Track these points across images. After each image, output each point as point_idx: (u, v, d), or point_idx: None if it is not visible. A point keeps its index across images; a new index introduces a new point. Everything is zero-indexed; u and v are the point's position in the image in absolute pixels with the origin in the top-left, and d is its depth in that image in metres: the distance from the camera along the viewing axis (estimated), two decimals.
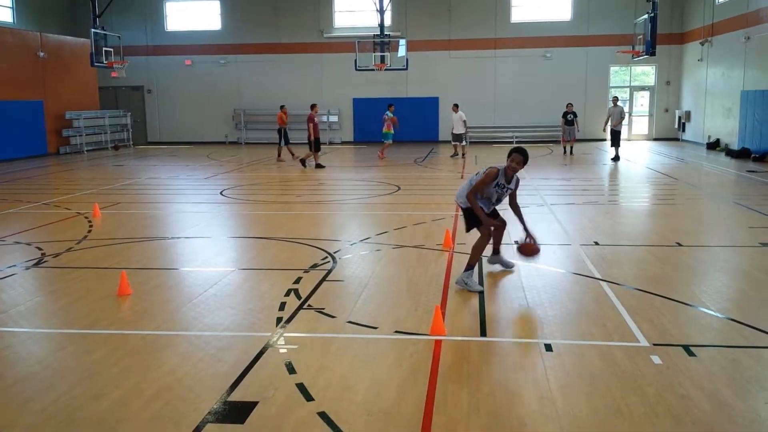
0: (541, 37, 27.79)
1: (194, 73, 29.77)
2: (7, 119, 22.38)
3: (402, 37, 26.32)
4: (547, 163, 19.68)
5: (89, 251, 8.52)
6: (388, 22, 27.17)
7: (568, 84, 27.57)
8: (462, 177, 16.42)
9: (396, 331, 5.35)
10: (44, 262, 7.96)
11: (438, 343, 5.06)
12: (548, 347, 4.96)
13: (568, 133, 22.35)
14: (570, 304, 6.07)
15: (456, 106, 21.89)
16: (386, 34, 25.49)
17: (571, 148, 22.54)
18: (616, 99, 21.05)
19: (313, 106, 19.57)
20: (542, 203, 11.83)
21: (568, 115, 22.22)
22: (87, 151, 25.99)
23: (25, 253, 8.43)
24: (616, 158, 19.71)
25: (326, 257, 7.92)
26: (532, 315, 5.70)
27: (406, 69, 25.76)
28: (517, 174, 6.62)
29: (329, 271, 7.26)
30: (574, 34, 27.67)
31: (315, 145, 18.99)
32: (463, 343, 5.10)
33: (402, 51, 25.71)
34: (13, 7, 26.05)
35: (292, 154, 21.02)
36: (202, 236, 9.54)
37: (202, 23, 29.50)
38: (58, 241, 9.08)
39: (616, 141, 20.05)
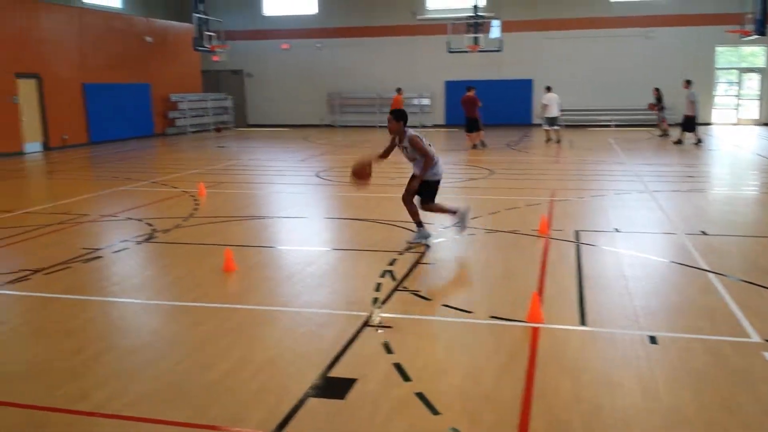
0: (642, 16, 26.58)
1: (291, 57, 30.41)
2: (118, 101, 23.70)
3: (496, 18, 25.82)
4: (648, 148, 18.90)
5: (196, 228, 8.94)
6: (482, 2, 26.71)
7: (671, 65, 26.26)
8: (557, 161, 16.05)
9: (492, 317, 5.33)
10: (154, 237, 8.42)
11: (536, 330, 5.00)
12: (652, 339, 4.80)
13: (659, 118, 22.03)
14: (675, 295, 5.85)
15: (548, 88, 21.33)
16: (480, 15, 25.11)
17: (664, 131, 22.02)
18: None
19: (470, 88, 19.60)
20: (644, 189, 11.39)
21: (656, 100, 21.79)
22: (191, 132, 27.17)
23: (136, 228, 8.95)
24: (678, 142, 19.30)
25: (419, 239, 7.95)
26: (635, 305, 5.53)
27: (500, 50, 25.31)
28: (408, 133, 7.40)
29: (423, 254, 7.30)
30: (678, 12, 26.27)
31: (476, 126, 19.03)
32: (561, 331, 5.02)
33: (495, 32, 25.25)
34: None
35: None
36: (300, 216, 9.81)
37: (298, 8, 30.04)
38: (167, 218, 9.58)
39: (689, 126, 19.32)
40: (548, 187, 11.85)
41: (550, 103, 20.42)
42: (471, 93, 19.27)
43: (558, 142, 20.36)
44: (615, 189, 11.54)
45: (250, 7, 30.45)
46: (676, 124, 22.17)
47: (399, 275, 6.48)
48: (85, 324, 5.35)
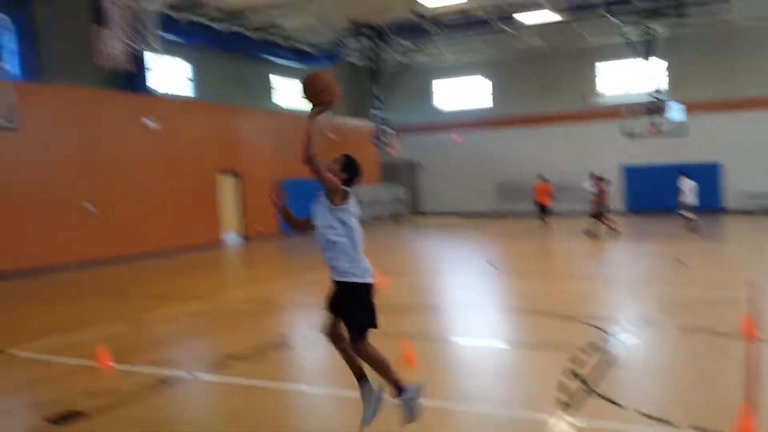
0: None
1: (461, 148, 31.18)
2: (308, 197, 25.44)
3: (675, 100, 24.76)
4: None
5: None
6: (659, 84, 25.81)
7: None
8: (757, 250, 14.70)
9: (693, 427, 4.90)
10: None
11: None
12: None
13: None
14: None
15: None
16: (657, 98, 24.24)
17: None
18: None
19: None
20: None
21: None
22: (368, 222, 28.47)
23: None
24: None
25: (603, 336, 7.59)
26: None
27: (681, 133, 24.12)
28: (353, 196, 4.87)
29: (608, 353, 6.94)
30: None
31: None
32: None
33: (676, 114, 24.17)
34: None
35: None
36: (473, 307, 9.78)
37: (468, 101, 30.99)
38: None
39: None
40: (747, 281, 10.85)
41: (686, 189, 18.84)
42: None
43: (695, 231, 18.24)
44: None
45: (424, 102, 31.90)
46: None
47: (583, 375, 6.20)
48: (281, 412, 5.66)
